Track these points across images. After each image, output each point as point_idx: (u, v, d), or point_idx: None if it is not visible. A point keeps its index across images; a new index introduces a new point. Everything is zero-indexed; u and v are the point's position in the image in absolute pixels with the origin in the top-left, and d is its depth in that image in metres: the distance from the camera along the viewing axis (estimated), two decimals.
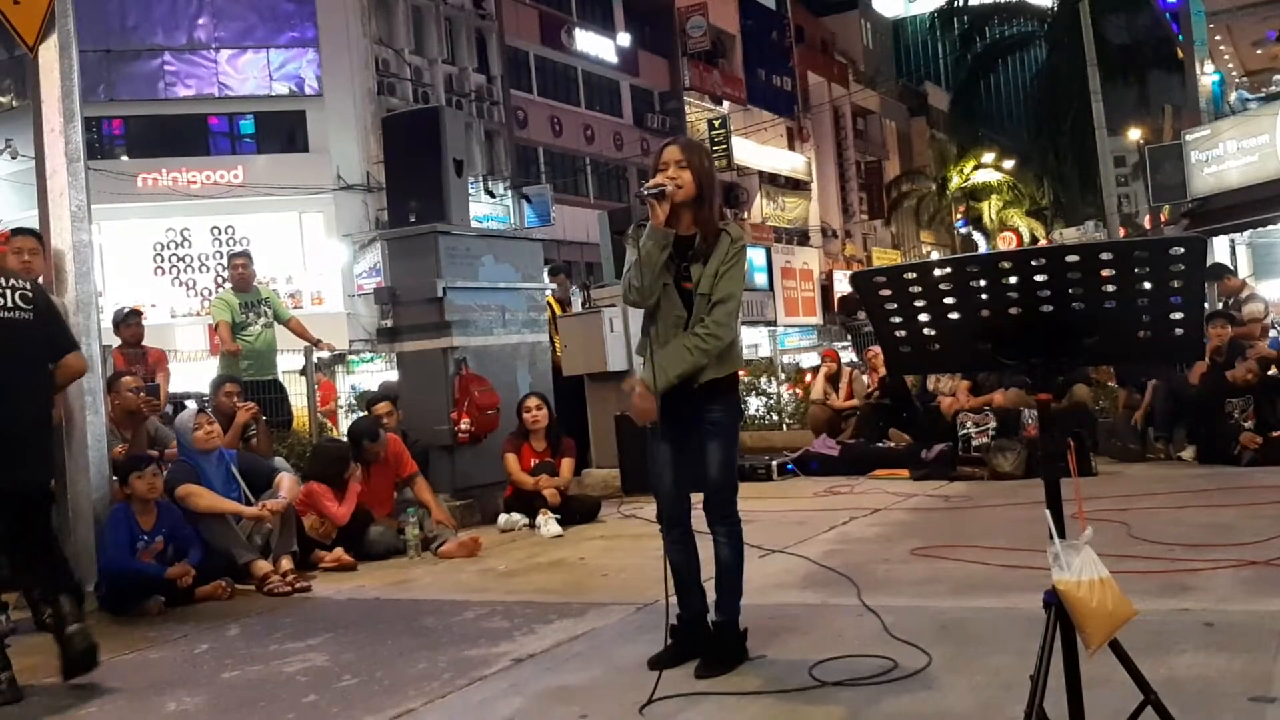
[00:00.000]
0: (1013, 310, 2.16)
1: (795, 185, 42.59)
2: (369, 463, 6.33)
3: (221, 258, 22.30)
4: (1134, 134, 33.44)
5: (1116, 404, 8.59)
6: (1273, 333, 9.92)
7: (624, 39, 34.53)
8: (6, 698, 3.64)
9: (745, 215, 35.88)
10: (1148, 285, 2.09)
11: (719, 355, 3.37)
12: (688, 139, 3.59)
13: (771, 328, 14.24)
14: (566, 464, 6.91)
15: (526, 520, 6.65)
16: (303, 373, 8.76)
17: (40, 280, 5.05)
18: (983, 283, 2.17)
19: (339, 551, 5.83)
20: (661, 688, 3.16)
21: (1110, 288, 2.10)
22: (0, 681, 3.65)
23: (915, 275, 2.22)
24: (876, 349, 9.01)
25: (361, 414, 7.83)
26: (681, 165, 3.36)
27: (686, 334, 3.36)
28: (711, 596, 3.49)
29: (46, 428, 4.17)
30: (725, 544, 3.44)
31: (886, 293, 2.26)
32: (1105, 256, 2.08)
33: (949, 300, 2.20)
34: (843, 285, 39.58)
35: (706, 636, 3.46)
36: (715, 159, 34.27)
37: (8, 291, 3.94)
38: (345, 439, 6.67)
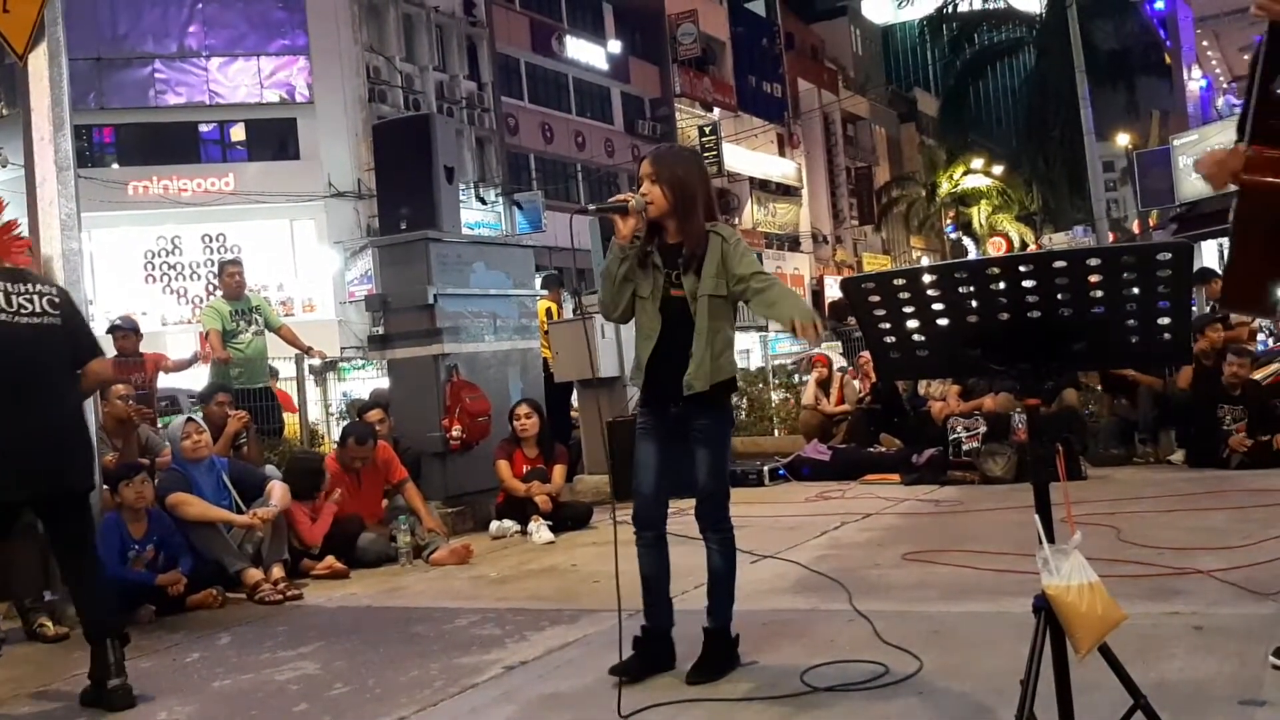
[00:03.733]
0: (1001, 316, 2.16)
1: (786, 191, 42.69)
2: (355, 469, 6.32)
3: (212, 265, 22.24)
4: (1122, 139, 33.59)
5: (1104, 408, 8.60)
6: (1260, 335, 9.97)
7: (615, 46, 34.59)
8: None
9: (736, 221, 36.01)
10: (1135, 290, 2.10)
11: (716, 358, 3.32)
12: (662, 150, 3.50)
13: (763, 333, 14.20)
14: (558, 470, 6.90)
15: (518, 527, 6.64)
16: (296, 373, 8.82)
17: None
18: (971, 289, 2.18)
19: (330, 559, 5.81)
20: (653, 694, 3.16)
21: (1098, 293, 2.11)
22: None
23: (904, 282, 2.23)
24: (868, 354, 9.01)
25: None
26: (652, 180, 3.35)
27: (759, 295, 3.29)
28: (704, 603, 3.48)
29: (81, 433, 4.09)
30: (717, 551, 3.43)
31: (875, 299, 2.26)
32: (1093, 262, 2.09)
33: (937, 306, 2.21)
34: (833, 291, 39.59)
35: (669, 650, 3.43)
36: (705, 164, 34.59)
37: (35, 297, 3.85)
38: (318, 452, 6.63)
